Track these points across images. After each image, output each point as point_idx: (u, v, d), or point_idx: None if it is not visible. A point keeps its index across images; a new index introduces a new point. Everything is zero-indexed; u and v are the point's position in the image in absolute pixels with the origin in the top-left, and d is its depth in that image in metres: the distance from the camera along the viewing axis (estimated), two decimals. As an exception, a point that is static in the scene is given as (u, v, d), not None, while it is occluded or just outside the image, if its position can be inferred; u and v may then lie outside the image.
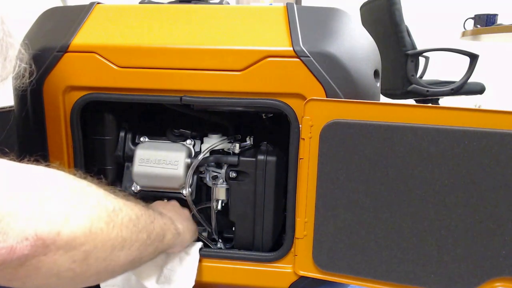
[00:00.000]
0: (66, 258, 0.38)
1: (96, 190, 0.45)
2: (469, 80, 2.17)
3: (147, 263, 0.57)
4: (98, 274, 0.44)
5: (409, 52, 2.07)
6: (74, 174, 0.45)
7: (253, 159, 0.69)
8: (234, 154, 0.72)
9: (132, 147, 0.75)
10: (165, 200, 0.74)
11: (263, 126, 0.81)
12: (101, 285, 0.68)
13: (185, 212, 0.71)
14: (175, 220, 0.63)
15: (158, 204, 0.70)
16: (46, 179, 0.39)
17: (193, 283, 0.65)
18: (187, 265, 0.66)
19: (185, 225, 0.65)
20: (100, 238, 0.41)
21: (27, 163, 0.40)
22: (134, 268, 0.52)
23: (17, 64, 0.52)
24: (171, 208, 0.68)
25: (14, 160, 0.39)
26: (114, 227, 0.44)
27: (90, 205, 0.41)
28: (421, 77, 2.49)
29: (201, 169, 0.73)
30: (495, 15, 2.40)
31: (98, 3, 0.72)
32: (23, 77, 0.55)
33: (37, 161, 0.43)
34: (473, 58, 2.14)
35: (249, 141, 0.73)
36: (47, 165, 0.43)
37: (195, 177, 0.73)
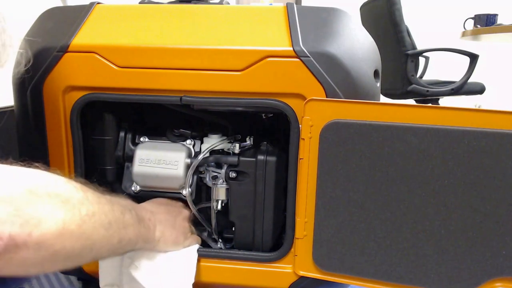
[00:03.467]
0: (35, 256, 0.42)
1: (75, 193, 0.48)
2: (469, 80, 2.17)
3: (146, 262, 0.60)
4: (64, 267, 0.48)
5: (409, 52, 2.07)
6: (58, 175, 0.48)
7: (253, 159, 0.69)
8: (234, 154, 0.72)
9: (132, 147, 0.75)
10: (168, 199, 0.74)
11: (263, 126, 0.81)
12: (100, 284, 0.68)
13: (179, 221, 0.69)
14: (156, 228, 0.63)
15: (151, 204, 0.68)
16: (28, 183, 0.43)
17: (192, 282, 0.65)
18: (186, 264, 0.66)
19: (165, 236, 0.65)
20: (70, 240, 0.45)
21: (8, 163, 0.44)
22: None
23: (14, 50, 0.53)
24: (162, 213, 0.67)
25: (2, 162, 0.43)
26: (85, 231, 0.47)
27: (65, 210, 0.45)
28: (421, 77, 2.49)
29: (201, 169, 0.73)
30: (495, 15, 2.41)
31: (98, 3, 0.72)
32: (19, 64, 0.57)
33: (22, 162, 0.46)
34: (473, 58, 2.14)
35: (249, 141, 0.73)
36: (30, 165, 0.46)
37: (195, 177, 0.73)
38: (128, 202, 0.61)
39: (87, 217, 0.48)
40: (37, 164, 0.48)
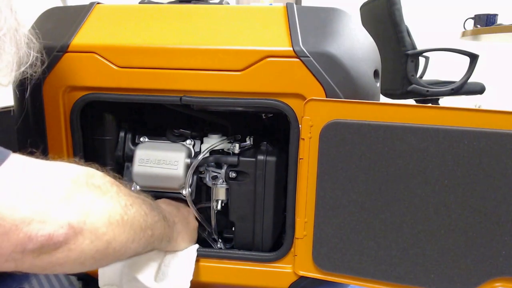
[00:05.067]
0: (91, 247, 0.42)
1: (110, 187, 0.48)
2: (469, 80, 2.17)
3: (145, 261, 0.61)
4: (111, 262, 0.48)
5: (409, 52, 2.07)
6: (92, 168, 0.49)
7: (253, 159, 0.69)
8: (234, 154, 0.72)
9: (132, 147, 0.75)
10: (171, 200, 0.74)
11: (263, 126, 0.81)
12: (100, 283, 0.68)
13: (191, 219, 0.71)
14: (174, 227, 0.64)
15: (164, 204, 0.69)
16: (70, 174, 0.44)
17: (190, 279, 0.65)
18: (185, 262, 0.66)
19: (181, 234, 0.66)
20: (117, 230, 0.45)
21: (52, 160, 0.44)
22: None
23: (29, 53, 0.53)
24: (175, 213, 0.68)
25: (42, 159, 0.43)
26: (127, 221, 0.48)
27: (106, 200, 0.45)
28: (421, 77, 2.49)
29: (201, 169, 0.73)
30: (495, 15, 2.41)
31: (98, 3, 0.72)
32: (35, 65, 0.57)
33: (60, 159, 0.47)
34: (473, 58, 2.14)
35: (249, 141, 0.73)
36: (68, 162, 0.46)
37: (195, 177, 0.73)
38: (150, 198, 0.62)
39: (126, 207, 0.48)
40: (74, 159, 0.49)
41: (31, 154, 0.44)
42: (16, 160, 0.40)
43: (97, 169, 0.50)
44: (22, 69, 0.52)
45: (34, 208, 0.38)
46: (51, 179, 0.41)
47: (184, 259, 0.66)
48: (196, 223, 0.72)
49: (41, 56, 0.58)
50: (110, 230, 0.44)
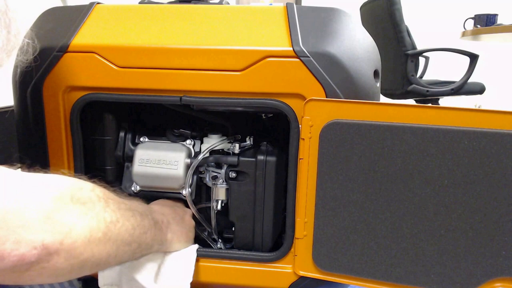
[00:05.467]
0: (66, 265, 0.42)
1: (97, 202, 0.48)
2: (469, 80, 2.17)
3: (145, 262, 0.61)
4: (91, 272, 0.48)
5: (409, 52, 2.08)
6: (80, 179, 0.48)
7: (253, 159, 0.69)
8: (234, 154, 0.72)
9: (132, 147, 0.75)
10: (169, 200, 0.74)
11: (263, 126, 0.81)
12: (100, 283, 0.68)
13: (186, 219, 0.70)
14: (168, 229, 0.64)
15: (159, 205, 0.69)
16: (53, 191, 0.43)
17: (190, 281, 0.65)
18: (184, 264, 0.66)
19: (177, 234, 0.66)
20: (97, 248, 0.45)
21: (35, 172, 0.44)
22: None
23: (20, 38, 0.53)
24: (170, 213, 0.68)
25: (22, 169, 0.43)
26: (110, 238, 0.47)
27: (90, 217, 0.45)
28: (421, 77, 2.49)
29: (201, 169, 0.73)
30: (495, 15, 2.41)
31: (98, 3, 0.72)
32: (27, 52, 0.57)
33: (42, 167, 0.46)
34: (473, 58, 2.14)
35: (249, 141, 0.73)
36: (52, 172, 0.46)
37: (195, 177, 0.73)
38: (143, 205, 0.61)
39: (111, 224, 0.48)
40: (63, 170, 0.49)
41: (27, 164, 0.44)
42: None
43: (86, 180, 0.49)
44: (13, 53, 0.51)
45: (9, 228, 0.37)
46: (31, 197, 0.40)
47: (184, 261, 0.66)
48: (193, 222, 0.72)
49: (33, 43, 0.58)
50: (89, 249, 0.44)
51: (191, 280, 0.65)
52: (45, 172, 0.46)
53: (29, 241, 0.38)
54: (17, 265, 0.38)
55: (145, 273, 0.63)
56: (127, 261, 0.56)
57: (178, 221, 0.67)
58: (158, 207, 0.68)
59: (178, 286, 0.64)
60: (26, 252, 0.38)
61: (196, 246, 0.69)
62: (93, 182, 0.50)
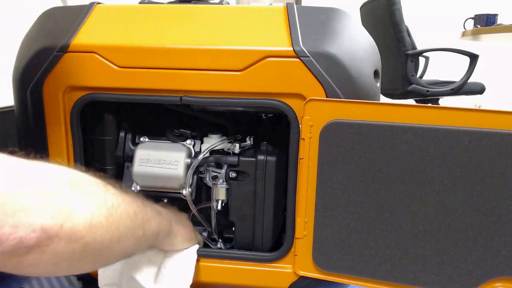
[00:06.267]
0: (66, 248, 0.41)
1: (96, 186, 0.47)
2: (469, 80, 2.17)
3: (145, 262, 0.61)
4: (93, 263, 0.48)
5: (409, 52, 2.08)
6: (77, 169, 0.48)
7: (253, 159, 0.69)
8: (234, 154, 0.72)
9: (132, 147, 0.75)
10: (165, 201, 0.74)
11: (263, 126, 0.81)
12: (100, 284, 0.68)
13: (183, 218, 0.71)
14: (172, 222, 0.64)
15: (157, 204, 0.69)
16: (53, 175, 0.43)
17: (190, 282, 0.65)
18: (185, 264, 0.66)
19: (181, 231, 0.66)
20: (99, 232, 0.44)
21: (34, 160, 0.43)
22: (126, 258, 0.56)
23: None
24: (170, 211, 0.68)
25: (23, 158, 0.42)
26: (112, 222, 0.47)
27: (91, 201, 0.44)
28: (421, 77, 2.49)
29: (201, 169, 0.73)
30: (495, 15, 2.41)
31: (98, 3, 0.72)
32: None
33: (42, 158, 0.45)
34: (473, 58, 2.14)
35: (249, 141, 0.73)
36: (53, 162, 0.45)
37: (195, 177, 0.73)
38: (143, 198, 0.61)
39: (113, 208, 0.47)
40: (58, 160, 0.48)
41: (27, 154, 0.43)
42: None
43: (83, 171, 0.49)
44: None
45: (8, 211, 0.37)
46: (31, 181, 0.40)
47: (184, 262, 0.66)
48: (191, 224, 0.72)
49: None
50: (91, 232, 0.43)
51: (191, 281, 0.65)
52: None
53: (28, 224, 0.38)
54: (16, 248, 0.38)
55: (145, 273, 0.63)
56: (133, 251, 0.54)
57: (180, 219, 0.68)
58: (157, 205, 0.68)
59: (178, 287, 0.64)
60: (25, 235, 0.38)
61: (197, 246, 0.69)
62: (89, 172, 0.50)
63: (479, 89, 2.23)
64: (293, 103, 0.64)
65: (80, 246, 0.43)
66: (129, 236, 0.50)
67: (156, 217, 0.58)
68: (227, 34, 0.65)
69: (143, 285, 0.62)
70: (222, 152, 0.74)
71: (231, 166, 0.71)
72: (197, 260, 0.68)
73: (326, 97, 0.62)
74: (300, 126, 0.63)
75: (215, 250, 0.71)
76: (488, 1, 3.04)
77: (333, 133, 0.61)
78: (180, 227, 0.66)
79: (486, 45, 2.98)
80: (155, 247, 0.62)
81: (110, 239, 0.46)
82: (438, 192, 0.58)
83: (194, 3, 0.75)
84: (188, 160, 0.71)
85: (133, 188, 0.74)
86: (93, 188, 0.46)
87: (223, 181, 0.72)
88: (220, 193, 0.72)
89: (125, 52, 0.65)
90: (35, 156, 0.44)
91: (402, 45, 2.09)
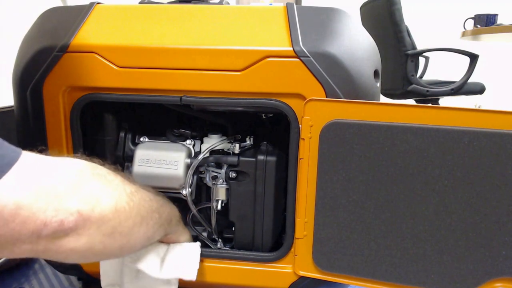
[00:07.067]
0: (98, 232, 0.47)
1: (114, 176, 0.52)
2: (469, 80, 2.17)
3: (148, 254, 0.62)
4: (121, 248, 0.52)
5: (409, 52, 2.08)
6: (93, 161, 0.53)
7: (253, 159, 0.69)
8: (234, 154, 0.72)
9: (132, 147, 0.75)
10: None
11: (263, 126, 0.81)
12: (102, 284, 0.68)
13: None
14: (177, 216, 0.66)
15: None
16: (77, 168, 0.48)
17: (196, 273, 0.64)
18: (189, 255, 0.65)
19: (183, 226, 0.68)
20: (123, 215, 0.50)
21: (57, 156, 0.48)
22: (149, 244, 0.60)
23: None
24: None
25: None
26: (133, 207, 0.52)
27: (112, 188, 0.50)
28: (421, 77, 2.49)
29: (201, 169, 0.73)
30: (495, 15, 2.41)
31: (98, 3, 0.72)
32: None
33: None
34: (473, 58, 2.14)
35: (249, 141, 0.73)
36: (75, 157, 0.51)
37: (195, 177, 0.73)
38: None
39: (131, 195, 0.52)
40: (76, 155, 0.53)
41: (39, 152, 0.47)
42: (28, 158, 0.44)
43: (98, 163, 0.53)
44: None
45: (48, 199, 0.42)
46: (60, 173, 0.45)
47: (189, 253, 0.66)
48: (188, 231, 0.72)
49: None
50: (116, 216, 0.48)
51: (196, 272, 0.64)
52: None
53: (66, 208, 0.43)
54: (57, 230, 0.43)
55: (150, 263, 0.62)
56: (153, 235, 0.58)
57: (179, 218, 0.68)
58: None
59: (184, 274, 0.63)
60: (65, 219, 0.43)
61: (199, 242, 0.69)
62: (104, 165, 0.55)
63: (479, 89, 2.23)
64: (293, 103, 0.64)
65: (109, 229, 0.48)
66: (149, 219, 0.55)
67: (168, 203, 0.62)
68: (227, 34, 0.65)
69: (149, 273, 0.61)
70: (222, 152, 0.74)
71: (231, 166, 0.71)
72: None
73: (326, 97, 0.62)
74: (300, 126, 0.63)
75: (215, 250, 0.71)
76: (488, 1, 3.04)
77: (333, 133, 0.61)
78: (180, 221, 0.67)
79: (486, 45, 2.98)
80: (168, 234, 0.64)
81: (133, 222, 0.51)
82: (438, 192, 0.58)
83: (194, 3, 0.75)
84: (188, 160, 0.71)
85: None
86: (111, 177, 0.51)
87: (223, 181, 0.72)
88: (220, 193, 0.72)
89: (125, 52, 0.65)
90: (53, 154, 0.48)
91: (402, 45, 2.09)
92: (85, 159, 0.52)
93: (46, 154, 0.47)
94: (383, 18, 2.12)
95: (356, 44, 0.67)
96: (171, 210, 0.63)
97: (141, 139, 0.76)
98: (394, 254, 0.61)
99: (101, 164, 0.53)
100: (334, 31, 0.65)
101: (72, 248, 0.45)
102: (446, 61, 2.68)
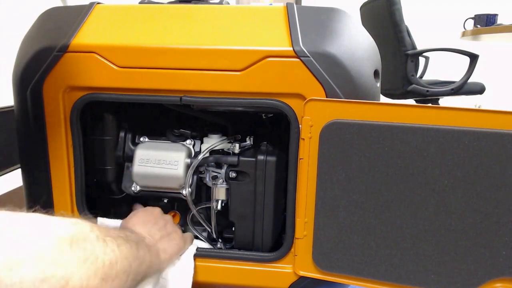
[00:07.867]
0: None
1: (96, 243, 0.48)
2: (469, 80, 2.17)
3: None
4: None
5: (409, 52, 2.08)
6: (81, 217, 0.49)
7: (253, 159, 0.69)
8: (234, 154, 0.72)
9: (132, 147, 0.75)
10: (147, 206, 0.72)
11: (263, 126, 0.81)
12: None
13: (170, 228, 0.68)
14: (159, 250, 0.62)
15: (140, 225, 0.66)
16: (53, 238, 0.44)
17: (190, 285, 0.64)
18: (183, 271, 0.66)
19: (168, 251, 0.64)
20: None
21: (32, 211, 0.44)
22: None
23: None
24: (155, 230, 0.65)
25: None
26: (107, 282, 0.48)
27: (88, 263, 0.46)
28: (421, 77, 2.49)
29: (201, 169, 0.73)
30: (495, 15, 2.41)
31: (98, 3, 0.72)
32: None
33: (42, 208, 0.46)
34: (473, 58, 2.14)
35: (249, 141, 0.73)
36: (47, 212, 0.47)
37: (195, 177, 0.73)
38: (135, 233, 0.60)
39: (109, 268, 0.49)
40: (62, 212, 0.48)
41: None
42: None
43: (85, 216, 0.49)
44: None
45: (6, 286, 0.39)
46: (30, 251, 0.42)
47: (182, 268, 0.66)
48: (176, 227, 0.69)
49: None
50: None
51: (191, 282, 0.64)
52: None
53: None
54: None
55: (143, 285, 0.61)
56: None
57: (164, 235, 0.65)
58: (142, 227, 0.65)
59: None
60: None
61: (193, 250, 0.68)
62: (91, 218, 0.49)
63: (479, 89, 2.23)
64: (293, 103, 0.64)
65: None
66: (125, 281, 0.52)
67: (147, 256, 0.58)
68: (227, 34, 0.65)
69: None
70: (222, 152, 0.74)
71: (231, 166, 0.71)
72: (197, 260, 0.68)
73: (326, 97, 0.62)
74: (300, 126, 0.63)
75: (215, 250, 0.71)
76: (488, 1, 3.04)
77: (333, 133, 0.61)
78: (167, 247, 0.64)
79: (486, 45, 2.98)
80: (155, 274, 0.61)
81: None
82: (438, 192, 0.58)
83: (194, 3, 0.75)
84: (188, 160, 0.71)
85: (133, 188, 0.74)
86: (93, 247, 0.47)
87: (223, 181, 0.72)
88: (220, 193, 0.72)
89: (125, 52, 0.65)
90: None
91: (402, 45, 2.09)
92: (72, 216, 0.46)
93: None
94: (383, 18, 2.12)
95: (356, 44, 0.67)
96: (151, 263, 0.59)
97: (141, 139, 0.76)
98: (394, 254, 0.61)
99: (87, 218, 0.50)
100: (334, 31, 0.65)
101: None
102: (446, 61, 2.68)
